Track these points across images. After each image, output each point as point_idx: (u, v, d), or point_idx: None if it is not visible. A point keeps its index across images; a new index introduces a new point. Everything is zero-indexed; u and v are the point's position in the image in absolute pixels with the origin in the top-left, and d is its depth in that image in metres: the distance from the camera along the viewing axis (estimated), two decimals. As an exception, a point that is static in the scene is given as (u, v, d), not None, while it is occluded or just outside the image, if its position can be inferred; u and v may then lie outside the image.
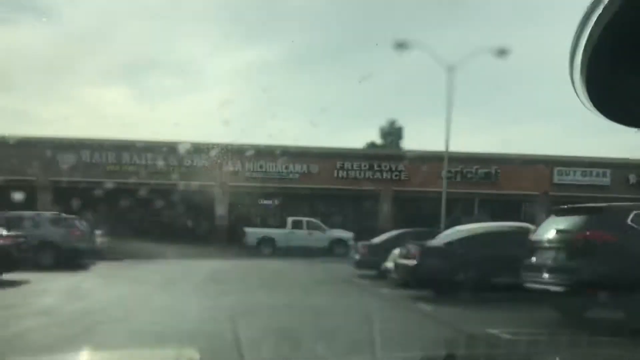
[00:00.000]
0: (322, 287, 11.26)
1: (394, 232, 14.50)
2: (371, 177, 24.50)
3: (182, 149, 23.39)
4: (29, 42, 32.95)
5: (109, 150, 24.02)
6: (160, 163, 24.28)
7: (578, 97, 1.22)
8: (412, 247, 9.49)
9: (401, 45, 17.14)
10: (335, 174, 24.32)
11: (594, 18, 1.07)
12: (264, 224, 22.18)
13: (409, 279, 9.68)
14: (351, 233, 20.38)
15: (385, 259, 12.12)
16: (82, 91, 38.81)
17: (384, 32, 37.02)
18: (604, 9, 1.05)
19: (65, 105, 37.07)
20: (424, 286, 9.50)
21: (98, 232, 17.05)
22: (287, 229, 21.15)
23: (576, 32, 1.11)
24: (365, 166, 24.50)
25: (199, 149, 23.79)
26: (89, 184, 20.62)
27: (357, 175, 24.57)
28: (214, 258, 17.35)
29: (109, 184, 20.02)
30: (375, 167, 24.53)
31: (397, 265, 10.24)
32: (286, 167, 24.26)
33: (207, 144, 23.47)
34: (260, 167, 24.38)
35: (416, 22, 36.82)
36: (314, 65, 40.13)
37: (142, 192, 20.13)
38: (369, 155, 25.79)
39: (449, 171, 20.12)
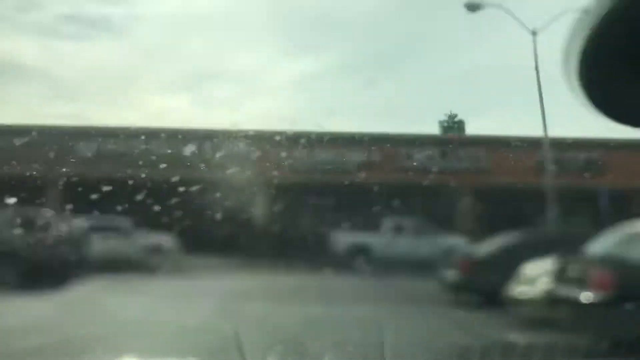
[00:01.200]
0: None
1: (502, 239, 10.50)
2: (446, 167, 20.27)
3: (220, 138, 19.92)
4: (102, 57, 34.54)
5: (135, 139, 20.74)
6: (191, 153, 20.85)
7: (575, 96, 1.20)
8: (599, 268, 5.44)
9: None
10: (402, 164, 20.18)
11: (592, 15, 1.06)
12: (356, 228, 17.00)
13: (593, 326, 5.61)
14: (462, 239, 15.81)
15: (499, 279, 8.19)
16: (147, 99, 40.99)
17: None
18: (602, 6, 1.04)
19: (130, 113, 37.95)
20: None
21: (165, 238, 14.55)
22: (387, 234, 16.56)
23: (573, 30, 1.11)
24: (438, 154, 20.33)
25: (238, 137, 20.30)
26: (110, 178, 17.32)
27: (429, 165, 20.37)
28: (290, 273, 13.31)
29: (132, 178, 16.62)
30: (451, 156, 20.31)
31: (554, 299, 6.22)
32: (342, 157, 20.34)
33: (249, 132, 19.98)
34: (311, 156, 20.58)
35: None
36: (366, 72, 38.88)
37: (167, 187, 16.62)
38: (443, 141, 21.61)
39: (543, 161, 15.97)
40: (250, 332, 5.03)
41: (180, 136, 20.44)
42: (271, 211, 20.25)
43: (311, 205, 20.23)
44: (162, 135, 20.42)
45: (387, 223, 16.95)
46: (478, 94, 38.69)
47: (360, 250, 16.07)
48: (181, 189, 16.33)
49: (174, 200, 17.02)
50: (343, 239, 16.63)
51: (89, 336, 5.53)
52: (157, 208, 18.19)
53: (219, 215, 17.61)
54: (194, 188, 16.69)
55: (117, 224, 15.84)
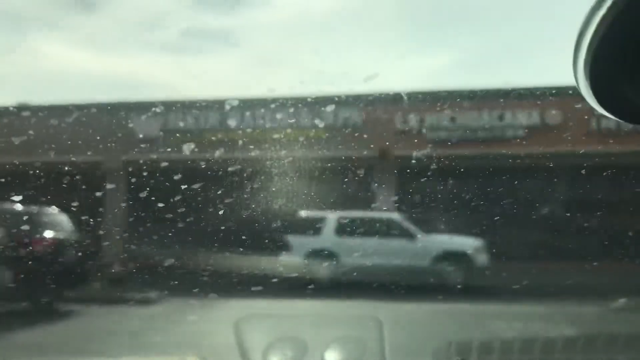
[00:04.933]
0: None
1: None
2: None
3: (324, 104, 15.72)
4: (224, 68, 32.85)
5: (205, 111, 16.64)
6: (280, 124, 16.64)
7: (582, 94, 1.26)
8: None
9: None
10: (592, 128, 15.02)
11: (599, 14, 1.10)
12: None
13: None
14: None
15: None
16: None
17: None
18: (609, 7, 1.08)
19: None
20: None
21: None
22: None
23: (580, 29, 1.15)
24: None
25: (348, 103, 16.05)
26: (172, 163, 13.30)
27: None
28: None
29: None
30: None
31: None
32: (500, 118, 15.42)
33: (363, 95, 15.71)
34: (452, 119, 15.87)
35: None
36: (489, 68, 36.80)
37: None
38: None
39: None
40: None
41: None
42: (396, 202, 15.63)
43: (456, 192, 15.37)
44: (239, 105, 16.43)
45: None
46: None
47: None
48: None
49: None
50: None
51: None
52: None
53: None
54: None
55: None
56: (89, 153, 14.60)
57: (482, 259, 11.35)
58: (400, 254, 11.18)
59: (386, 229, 12.01)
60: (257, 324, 5.01)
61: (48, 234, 8.36)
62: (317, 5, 35.54)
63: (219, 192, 11.85)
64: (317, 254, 11.63)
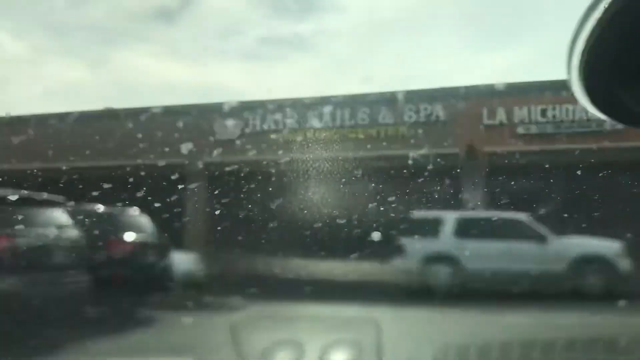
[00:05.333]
0: None
1: None
2: None
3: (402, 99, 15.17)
4: (298, 74, 35.41)
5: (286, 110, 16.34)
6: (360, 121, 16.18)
7: (576, 96, 1.27)
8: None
9: None
10: None
11: (594, 16, 1.11)
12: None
13: None
14: None
15: None
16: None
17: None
18: (605, 9, 1.09)
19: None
20: None
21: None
22: None
23: (575, 30, 1.16)
24: None
25: (430, 97, 15.41)
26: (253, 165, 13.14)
27: None
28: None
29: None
30: None
31: None
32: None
33: (446, 88, 15.00)
34: (543, 112, 14.88)
35: None
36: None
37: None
38: None
39: None
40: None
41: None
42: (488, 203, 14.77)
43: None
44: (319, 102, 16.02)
45: None
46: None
47: None
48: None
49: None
50: None
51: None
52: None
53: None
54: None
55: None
56: (169, 155, 14.71)
57: (625, 263, 10.08)
58: (530, 258, 10.11)
59: (513, 231, 10.83)
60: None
61: (129, 236, 8.24)
62: (386, 9, 35.75)
63: (305, 192, 11.46)
64: (435, 258, 10.60)
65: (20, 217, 6.10)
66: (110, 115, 17.21)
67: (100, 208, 8.32)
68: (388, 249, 10.08)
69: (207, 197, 14.66)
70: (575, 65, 1.19)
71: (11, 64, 31.65)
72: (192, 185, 14.68)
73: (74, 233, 6.75)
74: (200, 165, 15.37)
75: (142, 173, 12.53)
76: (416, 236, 10.83)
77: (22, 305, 5.97)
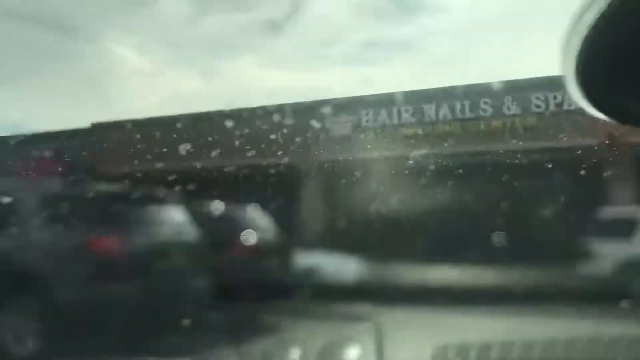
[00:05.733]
0: None
1: None
2: None
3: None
4: (402, 76, 35.36)
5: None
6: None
7: (571, 93, 1.27)
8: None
9: None
10: None
11: (589, 13, 1.11)
12: None
13: None
14: None
15: None
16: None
17: None
18: (599, 7, 1.08)
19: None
20: None
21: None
22: None
23: (570, 27, 1.16)
24: None
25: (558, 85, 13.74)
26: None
27: None
28: None
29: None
30: None
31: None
32: None
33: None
34: None
35: None
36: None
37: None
38: None
39: None
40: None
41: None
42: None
43: None
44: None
45: None
46: None
47: None
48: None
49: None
50: None
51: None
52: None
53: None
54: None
55: None
56: (281, 153, 14.25)
57: None
58: None
59: None
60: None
61: (251, 236, 7.64)
62: (488, 9, 35.34)
63: (432, 189, 10.49)
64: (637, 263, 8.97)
65: (135, 216, 5.64)
66: (222, 116, 17.11)
67: (218, 206, 7.80)
68: (569, 252, 8.75)
69: (321, 196, 14.01)
70: (570, 65, 1.18)
71: (134, 77, 33.48)
72: (306, 184, 14.10)
73: (192, 233, 6.23)
74: (313, 162, 14.79)
75: (255, 172, 12.12)
76: (606, 237, 9.33)
77: (139, 311, 5.51)
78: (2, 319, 5.57)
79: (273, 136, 14.85)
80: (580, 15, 1.11)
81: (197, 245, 6.23)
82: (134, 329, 5.23)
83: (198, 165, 13.29)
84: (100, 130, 17.55)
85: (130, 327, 5.23)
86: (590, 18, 1.09)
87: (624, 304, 6.55)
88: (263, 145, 13.97)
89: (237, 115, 16.62)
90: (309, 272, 8.08)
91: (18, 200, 5.76)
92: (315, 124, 15.83)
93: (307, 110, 16.01)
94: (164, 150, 14.57)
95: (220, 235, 7.01)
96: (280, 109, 15.71)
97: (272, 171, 11.68)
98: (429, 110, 15.36)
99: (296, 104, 16.46)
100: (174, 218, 6.17)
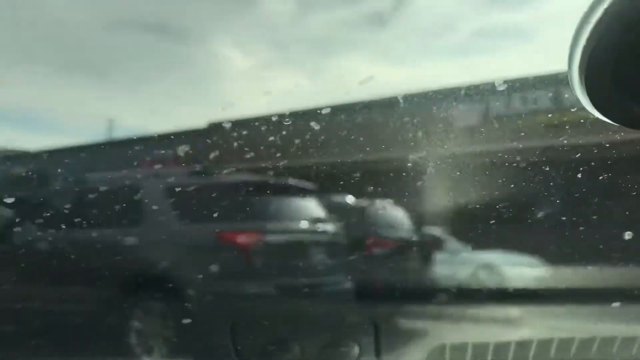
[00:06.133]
0: None
1: None
2: None
3: None
4: (515, 65, 34.00)
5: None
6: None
7: (577, 96, 1.28)
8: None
9: None
10: None
11: (595, 16, 1.11)
12: None
13: None
14: None
15: None
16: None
17: None
18: (606, 8, 1.08)
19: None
20: None
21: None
22: None
23: (576, 31, 1.16)
24: None
25: None
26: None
27: None
28: None
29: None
30: None
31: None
32: None
33: None
34: None
35: None
36: None
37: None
38: None
39: None
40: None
41: None
42: None
43: None
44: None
45: None
46: None
47: None
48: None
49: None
50: None
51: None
52: None
53: None
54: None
55: None
56: (399, 148, 13.49)
57: None
58: None
59: None
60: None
61: (391, 233, 6.98)
62: None
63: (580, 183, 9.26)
64: None
65: (269, 209, 5.11)
66: (337, 111, 16.72)
67: (350, 200, 7.17)
68: None
69: (455, 191, 13.12)
70: (576, 67, 1.18)
71: (240, 79, 34.31)
72: (437, 178, 13.27)
73: (331, 228, 5.64)
74: (439, 155, 13.89)
75: (382, 166, 11.53)
76: None
77: (275, 314, 4.97)
78: (131, 323, 5.21)
79: (393, 129, 14.19)
80: (587, 15, 1.09)
81: (337, 241, 5.64)
82: (270, 331, 4.78)
83: (319, 160, 12.86)
84: (217, 129, 17.72)
85: (267, 329, 4.78)
86: (596, 18, 1.08)
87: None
88: (385, 138, 13.36)
89: (351, 109, 16.28)
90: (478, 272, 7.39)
91: (146, 195, 5.40)
92: (437, 114, 14.94)
93: (426, 101, 15.21)
94: (281, 146, 14.31)
95: (355, 230, 6.39)
96: (398, 101, 15.07)
97: (400, 164, 11.00)
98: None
99: (415, 94, 15.73)
100: (312, 210, 5.60)
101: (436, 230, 8.20)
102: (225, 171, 5.93)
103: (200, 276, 4.93)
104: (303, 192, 5.76)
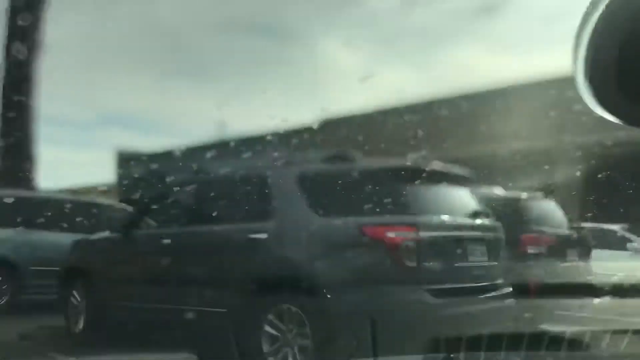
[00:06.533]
0: None
1: None
2: None
3: None
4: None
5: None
6: None
7: (581, 94, 1.18)
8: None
9: None
10: None
11: (597, 13, 1.06)
12: None
13: None
14: None
15: None
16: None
17: None
18: (607, 5, 1.04)
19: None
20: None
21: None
22: None
23: (579, 28, 1.10)
24: None
25: None
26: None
27: None
28: None
29: None
30: None
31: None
32: None
33: None
34: None
35: None
36: None
37: None
38: None
39: None
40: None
41: None
42: None
43: None
44: None
45: None
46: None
47: None
48: None
49: None
50: None
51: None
52: None
53: None
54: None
55: None
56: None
57: None
58: None
59: None
60: None
61: (549, 229, 6.09)
62: None
63: None
64: None
65: (422, 200, 4.39)
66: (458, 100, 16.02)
67: (499, 192, 6.33)
68: None
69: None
70: (581, 64, 1.10)
71: (346, 75, 33.96)
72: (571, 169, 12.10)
73: (491, 224, 4.85)
74: (573, 145, 12.72)
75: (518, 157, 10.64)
76: None
77: (427, 323, 4.26)
78: (263, 329, 4.68)
79: (518, 118, 13.26)
80: (588, 13, 1.04)
81: (497, 238, 4.85)
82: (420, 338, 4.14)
83: (445, 154, 12.14)
84: (329, 127, 17.51)
85: (416, 336, 4.11)
86: (598, 16, 1.03)
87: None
88: (518, 128, 12.49)
89: (470, 98, 15.62)
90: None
91: (277, 186, 4.84)
92: (566, 103, 13.66)
93: (548, 89, 14.06)
94: (398, 140, 13.72)
95: (510, 225, 5.55)
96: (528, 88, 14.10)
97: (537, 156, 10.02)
98: None
99: (536, 83, 14.64)
100: (468, 202, 4.84)
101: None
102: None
103: (342, 277, 4.31)
104: (459, 181, 4.97)
